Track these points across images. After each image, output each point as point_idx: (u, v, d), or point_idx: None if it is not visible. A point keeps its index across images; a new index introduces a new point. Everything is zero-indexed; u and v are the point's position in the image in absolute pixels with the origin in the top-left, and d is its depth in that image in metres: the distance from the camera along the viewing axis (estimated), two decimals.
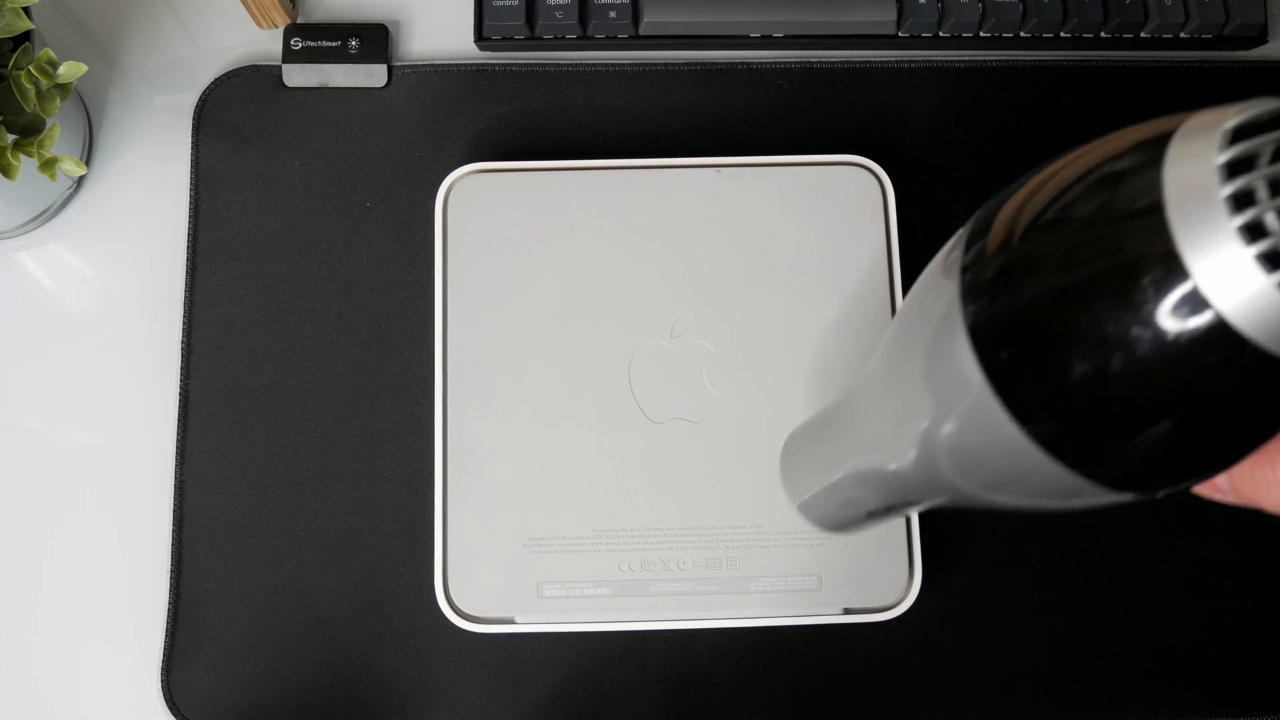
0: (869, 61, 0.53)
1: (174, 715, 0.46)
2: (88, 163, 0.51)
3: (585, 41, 0.52)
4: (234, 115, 0.51)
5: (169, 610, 0.46)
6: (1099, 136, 0.50)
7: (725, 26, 0.52)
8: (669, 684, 0.46)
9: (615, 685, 0.46)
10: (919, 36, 0.52)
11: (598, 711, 0.46)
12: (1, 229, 0.50)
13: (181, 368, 0.48)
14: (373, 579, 0.47)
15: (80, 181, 0.51)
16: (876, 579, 0.44)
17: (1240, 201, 0.18)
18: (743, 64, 0.52)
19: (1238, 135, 0.19)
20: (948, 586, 0.47)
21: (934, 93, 0.52)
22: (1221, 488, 0.27)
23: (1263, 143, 0.19)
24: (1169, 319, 0.19)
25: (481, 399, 0.45)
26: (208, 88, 0.51)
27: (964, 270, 0.23)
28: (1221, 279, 0.18)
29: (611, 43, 0.52)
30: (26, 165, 0.43)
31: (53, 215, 0.50)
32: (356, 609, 0.47)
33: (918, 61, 0.53)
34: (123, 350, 0.49)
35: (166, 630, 0.46)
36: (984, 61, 0.53)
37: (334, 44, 0.51)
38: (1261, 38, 0.53)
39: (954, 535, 0.47)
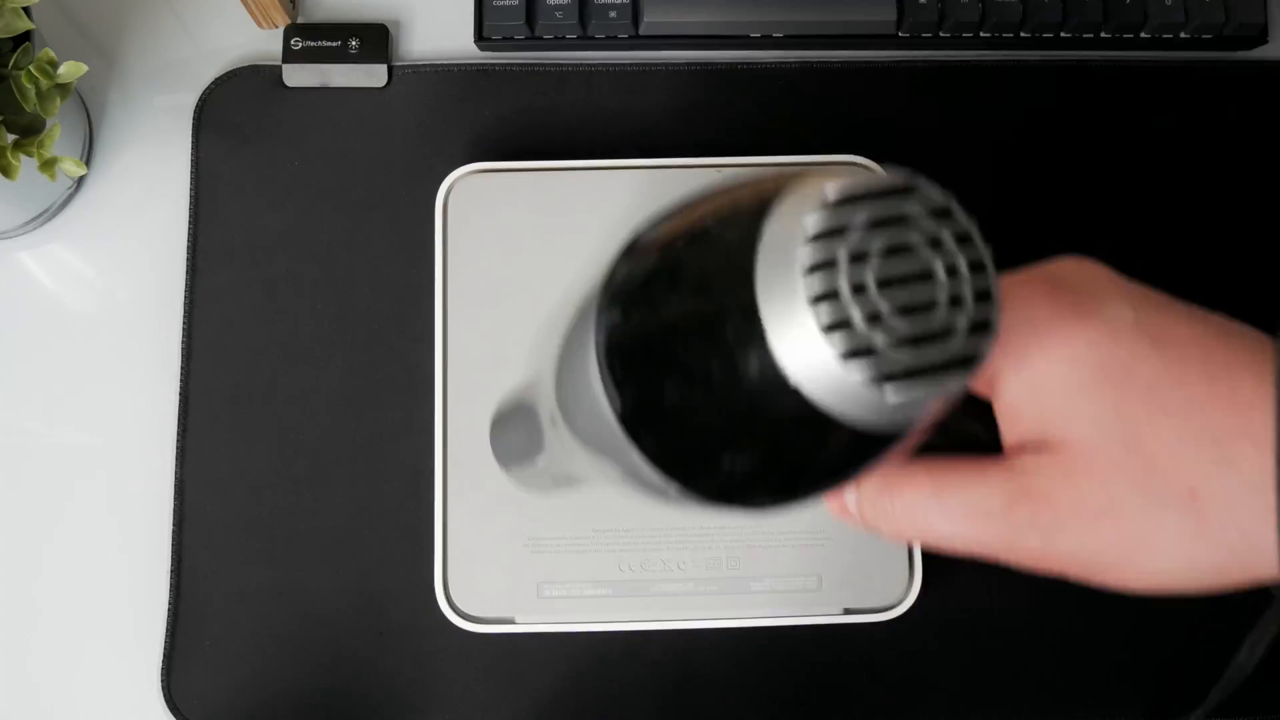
0: (869, 61, 0.52)
1: (174, 715, 0.46)
2: (88, 163, 0.51)
3: (585, 41, 0.52)
4: (234, 115, 0.51)
5: (169, 611, 0.46)
6: (1098, 137, 0.51)
7: (725, 26, 0.52)
8: (669, 684, 0.46)
9: (615, 685, 0.46)
10: (919, 36, 0.52)
11: (598, 711, 0.46)
12: (1, 229, 0.50)
13: (181, 368, 0.48)
14: (372, 579, 0.47)
15: (80, 181, 0.51)
16: (877, 579, 0.44)
17: (817, 273, 0.19)
18: (743, 64, 0.52)
19: (826, 217, 0.20)
20: (948, 586, 0.47)
21: (934, 93, 0.52)
22: (850, 511, 0.28)
23: (847, 219, 0.20)
24: (748, 368, 0.20)
25: (481, 399, 0.45)
26: (208, 88, 0.51)
27: (604, 284, 0.24)
28: (794, 345, 0.19)
29: (611, 43, 0.52)
30: (26, 165, 0.43)
31: (53, 215, 0.50)
32: (356, 609, 0.46)
33: (918, 61, 0.53)
34: (123, 350, 0.49)
35: (166, 631, 0.46)
36: (984, 61, 0.53)
37: (334, 44, 0.51)
38: (1261, 38, 0.53)
39: None
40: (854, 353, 0.19)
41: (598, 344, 0.23)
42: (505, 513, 0.44)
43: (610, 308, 0.23)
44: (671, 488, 0.23)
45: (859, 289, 0.19)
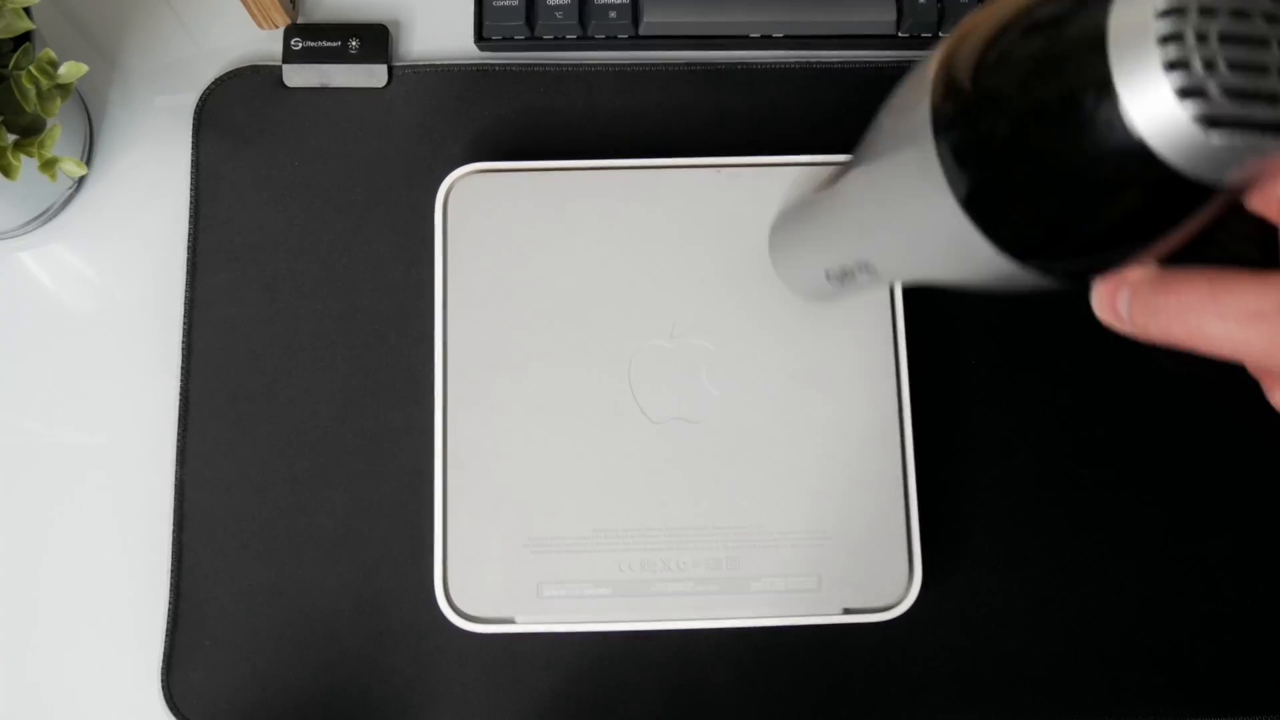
0: (869, 61, 0.53)
1: (174, 715, 0.46)
2: (88, 163, 0.51)
3: (585, 41, 0.52)
4: (234, 115, 0.51)
5: (169, 610, 0.46)
6: None
7: (725, 26, 0.52)
8: (669, 684, 0.46)
9: (615, 685, 0.46)
10: (919, 36, 0.52)
11: (598, 712, 0.46)
12: (2, 229, 0.50)
13: (181, 368, 0.48)
14: (373, 579, 0.47)
15: (80, 182, 0.51)
16: (876, 579, 0.44)
17: (1167, 17, 0.21)
18: (743, 64, 0.52)
19: None
20: (948, 586, 0.47)
21: None
22: (1120, 313, 0.29)
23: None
24: (1100, 133, 0.22)
25: (481, 399, 0.45)
26: (208, 88, 0.51)
27: (938, 76, 0.27)
28: (1146, 105, 0.21)
29: (611, 43, 0.52)
30: (27, 165, 0.43)
31: (53, 215, 0.51)
32: (356, 609, 0.47)
33: (918, 62, 0.53)
34: (123, 350, 0.49)
35: (166, 630, 0.46)
36: None
37: (334, 44, 0.51)
38: None
39: (954, 535, 0.47)
40: (1188, 91, 0.21)
41: (939, 134, 0.26)
42: (505, 513, 0.44)
43: (951, 95, 0.26)
44: (990, 249, 0.26)
45: (1202, 38, 0.21)
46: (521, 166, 0.47)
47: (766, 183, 0.47)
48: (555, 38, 0.52)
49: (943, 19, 0.51)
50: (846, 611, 0.44)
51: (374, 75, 0.51)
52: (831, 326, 0.46)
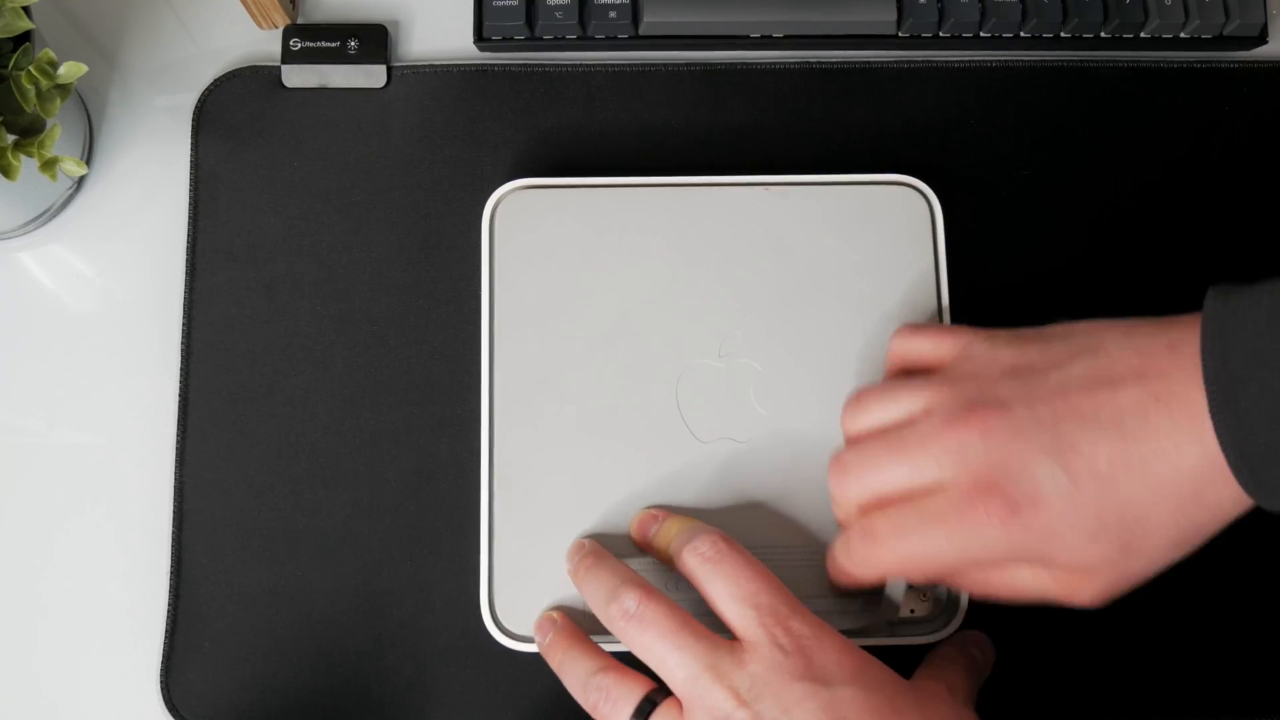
0: (869, 62, 0.52)
1: (173, 716, 0.46)
2: (88, 163, 0.51)
3: (585, 41, 0.52)
4: (233, 116, 0.51)
5: (168, 611, 0.46)
6: (1098, 137, 0.51)
7: (725, 26, 0.52)
8: None
9: None
10: (919, 36, 0.52)
11: None
12: (2, 229, 0.50)
13: (181, 368, 0.48)
14: (372, 580, 0.47)
15: (80, 182, 0.51)
16: (923, 598, 0.44)
17: None
18: (743, 64, 0.52)
19: None
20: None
21: (934, 93, 0.52)
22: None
23: None
24: None
25: (528, 417, 0.45)
26: (207, 88, 0.51)
27: None
28: None
29: (611, 43, 0.52)
30: (27, 165, 0.43)
31: (53, 215, 0.50)
32: (356, 610, 0.46)
33: (917, 62, 0.53)
34: (123, 350, 0.49)
35: (166, 631, 0.46)
36: (984, 61, 0.53)
37: (333, 44, 0.51)
38: (1261, 38, 0.53)
39: None
40: None
41: None
42: (552, 531, 0.43)
43: None
44: None
45: None
46: (568, 183, 0.47)
47: (814, 201, 0.47)
48: (555, 38, 0.52)
49: (943, 19, 0.51)
50: (891, 627, 0.43)
51: (373, 76, 0.51)
52: (880, 349, 0.45)
